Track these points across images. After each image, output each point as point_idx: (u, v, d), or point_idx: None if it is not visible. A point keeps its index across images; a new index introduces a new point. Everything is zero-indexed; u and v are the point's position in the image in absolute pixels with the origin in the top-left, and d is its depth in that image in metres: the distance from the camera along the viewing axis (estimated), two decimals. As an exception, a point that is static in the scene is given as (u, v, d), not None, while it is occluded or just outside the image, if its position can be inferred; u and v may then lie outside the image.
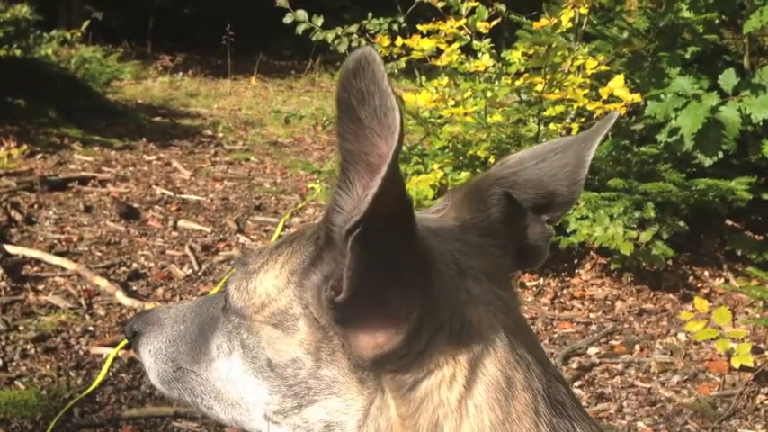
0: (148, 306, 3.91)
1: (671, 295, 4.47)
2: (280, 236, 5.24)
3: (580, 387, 3.55)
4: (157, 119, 9.36)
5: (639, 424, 3.28)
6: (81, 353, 3.51)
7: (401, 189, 0.89)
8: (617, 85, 4.33)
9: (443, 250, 1.06)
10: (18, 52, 7.77)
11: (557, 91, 4.42)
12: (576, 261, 4.76)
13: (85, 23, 9.80)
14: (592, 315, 4.29)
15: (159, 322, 1.34)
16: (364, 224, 0.88)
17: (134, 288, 4.26)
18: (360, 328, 0.99)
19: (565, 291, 4.55)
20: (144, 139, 7.90)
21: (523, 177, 1.18)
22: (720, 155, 4.24)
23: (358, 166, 0.88)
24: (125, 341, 3.50)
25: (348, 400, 1.03)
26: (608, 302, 4.42)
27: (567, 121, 4.78)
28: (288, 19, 5.03)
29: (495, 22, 4.73)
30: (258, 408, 1.12)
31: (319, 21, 5.04)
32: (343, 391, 1.03)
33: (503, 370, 1.02)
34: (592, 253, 4.73)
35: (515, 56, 4.74)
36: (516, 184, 1.18)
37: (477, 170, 4.71)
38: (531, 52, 4.49)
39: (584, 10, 4.46)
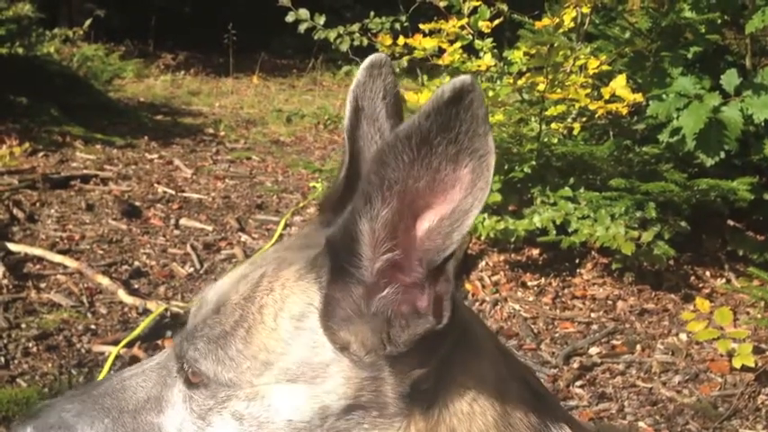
0: (150, 304, 3.92)
1: (672, 295, 4.47)
2: (281, 235, 5.25)
3: (581, 387, 3.55)
4: (159, 117, 9.36)
5: (641, 424, 3.28)
6: (83, 351, 3.52)
7: None
8: (619, 84, 4.33)
9: None
10: (20, 50, 7.77)
11: (558, 90, 4.42)
12: (577, 261, 4.76)
13: (88, 22, 9.78)
14: (593, 315, 4.29)
15: (66, 425, 1.12)
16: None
17: (136, 286, 4.27)
18: (414, 350, 0.98)
19: (566, 290, 4.55)
20: (146, 138, 7.90)
21: None
22: (722, 155, 4.23)
23: (388, 193, 0.89)
24: (127, 339, 3.52)
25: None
26: (609, 302, 4.42)
27: (569, 120, 4.78)
28: (290, 17, 5.04)
29: (497, 22, 4.72)
30: None
31: (321, 19, 5.05)
32: (377, 422, 1.00)
33: (494, 367, 1.07)
34: (593, 253, 4.72)
35: (517, 55, 4.74)
36: None
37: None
38: (532, 52, 4.49)
39: (586, 9, 4.46)
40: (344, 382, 0.99)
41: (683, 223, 4.42)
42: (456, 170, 0.87)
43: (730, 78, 4.31)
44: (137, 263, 4.58)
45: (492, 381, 1.04)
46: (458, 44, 4.68)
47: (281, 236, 5.23)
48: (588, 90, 4.46)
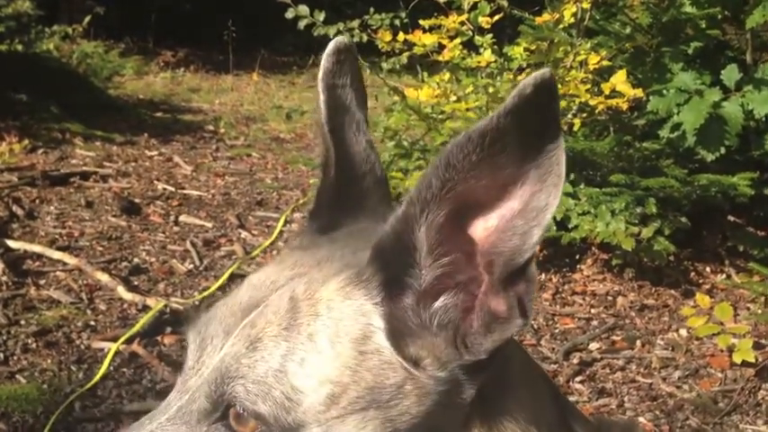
0: (149, 301, 3.91)
1: (672, 291, 4.46)
2: (281, 231, 5.24)
3: (581, 382, 3.55)
4: (159, 114, 9.35)
5: (641, 419, 3.28)
6: (82, 347, 3.52)
7: None
8: (619, 80, 4.32)
9: None
10: (20, 47, 7.77)
11: (559, 86, 4.40)
12: (577, 257, 4.75)
13: (87, 18, 9.77)
14: (593, 310, 4.29)
15: None
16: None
17: (135, 283, 4.26)
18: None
19: (566, 286, 4.55)
20: (145, 135, 7.90)
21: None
22: (723, 150, 4.22)
23: (448, 196, 0.85)
24: (127, 335, 3.51)
25: None
26: (609, 298, 4.42)
27: (569, 116, 4.77)
28: (289, 14, 5.01)
29: (497, 18, 4.71)
30: None
31: (321, 16, 5.02)
32: None
33: (525, 361, 1.08)
34: (593, 248, 4.72)
35: (517, 51, 4.73)
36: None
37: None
38: (533, 47, 4.48)
39: (586, 5, 4.45)
40: (418, 400, 0.91)
41: (683, 219, 4.41)
42: (521, 167, 0.83)
43: (731, 74, 4.30)
44: (136, 259, 4.58)
45: (524, 375, 1.03)
46: (458, 40, 4.67)
47: (281, 233, 5.22)
48: (588, 86, 4.45)
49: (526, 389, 1.02)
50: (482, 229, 0.88)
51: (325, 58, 1.11)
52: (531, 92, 0.79)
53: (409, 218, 0.87)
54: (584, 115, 4.73)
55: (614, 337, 4.00)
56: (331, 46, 1.11)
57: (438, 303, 0.92)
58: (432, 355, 0.91)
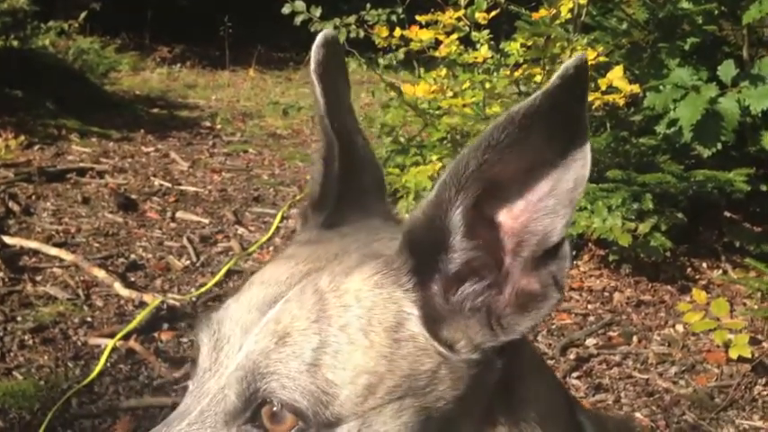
0: (146, 297, 3.91)
1: (669, 287, 4.47)
2: (278, 227, 5.24)
3: (578, 378, 3.55)
4: (155, 110, 9.34)
5: (637, 415, 3.29)
6: (79, 344, 3.51)
7: None
8: (616, 75, 4.32)
9: None
10: (15, 43, 7.75)
11: (555, 82, 4.40)
12: (574, 252, 4.75)
13: (83, 14, 9.73)
14: (590, 306, 4.29)
15: None
16: None
17: (132, 279, 4.26)
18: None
19: (563, 282, 4.54)
20: (142, 131, 7.88)
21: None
22: (719, 146, 4.22)
23: (482, 177, 0.86)
24: (123, 332, 3.51)
25: None
26: (606, 294, 4.43)
27: (566, 112, 4.77)
28: (286, 9, 5.01)
29: (493, 13, 4.71)
30: None
31: (317, 11, 5.02)
32: (469, 419, 0.95)
33: (534, 353, 1.12)
34: (590, 244, 4.72)
35: (514, 47, 4.73)
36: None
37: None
38: (529, 43, 4.47)
39: (583, 1, 4.45)
40: (452, 384, 0.91)
41: (679, 215, 4.41)
42: (553, 148, 0.86)
43: (727, 69, 4.30)
44: (133, 256, 4.57)
45: (536, 366, 1.06)
46: (454, 36, 4.67)
47: (277, 229, 5.22)
48: (585, 81, 4.45)
49: (540, 379, 1.04)
50: (512, 210, 0.89)
51: (317, 50, 1.09)
52: (572, 74, 0.80)
53: (443, 201, 0.88)
54: (581, 111, 4.72)
55: (611, 333, 4.00)
56: (320, 38, 1.10)
57: (470, 286, 0.93)
58: (466, 336, 0.92)
